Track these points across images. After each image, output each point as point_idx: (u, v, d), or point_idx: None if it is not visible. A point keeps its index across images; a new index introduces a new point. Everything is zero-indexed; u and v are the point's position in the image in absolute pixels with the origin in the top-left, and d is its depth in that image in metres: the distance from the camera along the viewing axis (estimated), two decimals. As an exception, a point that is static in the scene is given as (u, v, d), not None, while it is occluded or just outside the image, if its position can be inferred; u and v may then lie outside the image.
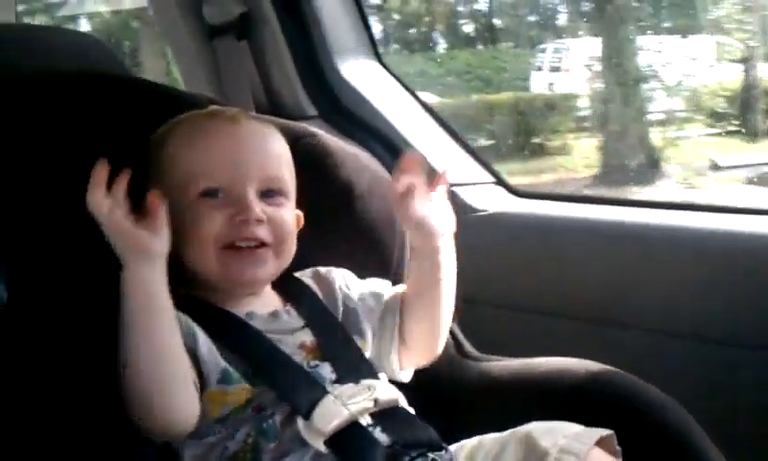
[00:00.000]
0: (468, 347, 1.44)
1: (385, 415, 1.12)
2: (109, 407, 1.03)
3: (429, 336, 1.28)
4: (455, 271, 1.27)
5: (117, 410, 1.02)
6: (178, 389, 1.03)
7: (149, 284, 1.04)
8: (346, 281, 1.28)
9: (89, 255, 1.08)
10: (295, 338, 1.16)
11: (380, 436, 1.09)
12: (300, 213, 1.26)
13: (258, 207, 1.14)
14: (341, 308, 1.25)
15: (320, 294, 1.26)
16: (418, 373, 1.30)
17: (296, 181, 1.26)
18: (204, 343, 1.09)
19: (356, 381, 1.13)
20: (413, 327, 1.26)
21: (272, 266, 1.17)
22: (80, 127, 1.26)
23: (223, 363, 1.08)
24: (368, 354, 1.23)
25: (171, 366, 1.03)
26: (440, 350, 1.30)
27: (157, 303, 1.04)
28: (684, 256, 1.65)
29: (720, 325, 1.58)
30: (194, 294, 1.14)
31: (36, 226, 1.14)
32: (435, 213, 1.20)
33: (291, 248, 1.21)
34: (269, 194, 1.17)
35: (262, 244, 1.15)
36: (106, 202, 1.02)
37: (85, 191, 1.03)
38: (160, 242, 1.06)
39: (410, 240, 1.26)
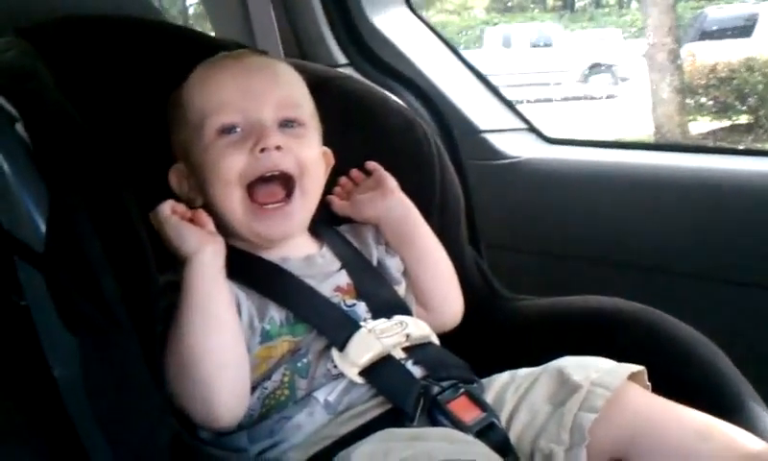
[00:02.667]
0: (498, 287, 1.44)
1: (417, 350, 1.13)
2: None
3: (435, 298, 1.29)
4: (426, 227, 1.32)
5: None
6: (238, 374, 1.04)
7: (212, 271, 1.06)
8: (378, 238, 1.29)
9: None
10: (330, 281, 1.17)
11: (413, 369, 1.10)
12: (329, 151, 1.27)
13: (277, 135, 1.14)
14: (375, 259, 1.26)
15: (354, 243, 1.27)
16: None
17: (326, 122, 1.27)
18: (245, 308, 1.10)
19: (389, 317, 1.14)
20: (417, 292, 1.28)
21: (299, 213, 1.18)
22: (110, 71, 1.28)
23: (260, 324, 1.10)
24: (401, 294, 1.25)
25: (231, 351, 1.04)
26: (455, 313, 1.31)
27: (219, 288, 1.06)
28: (717, 200, 1.64)
29: (752, 268, 1.57)
30: (229, 243, 1.15)
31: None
32: (377, 199, 1.29)
33: (317, 182, 1.21)
34: (288, 124, 1.17)
35: (287, 190, 1.15)
36: (167, 205, 1.07)
37: (117, 136, 1.05)
38: (218, 237, 1.09)
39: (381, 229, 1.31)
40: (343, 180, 1.34)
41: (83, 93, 1.14)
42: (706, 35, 7.67)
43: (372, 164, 1.33)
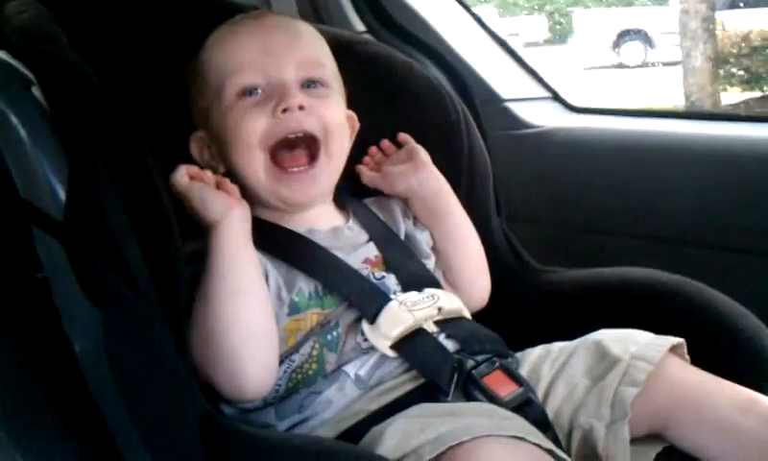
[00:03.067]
0: (529, 259, 1.40)
1: (450, 323, 1.10)
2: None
3: (463, 277, 1.26)
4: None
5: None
6: (267, 344, 1.01)
7: (240, 237, 1.03)
8: (406, 211, 1.26)
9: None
10: (359, 253, 1.14)
11: (446, 342, 1.07)
12: (353, 114, 1.23)
13: (299, 95, 1.10)
14: (403, 233, 1.23)
15: (381, 216, 1.24)
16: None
17: (351, 87, 1.23)
18: (273, 279, 1.07)
19: (419, 290, 1.11)
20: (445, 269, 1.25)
21: (324, 176, 1.14)
22: (128, 37, 1.25)
23: (288, 296, 1.06)
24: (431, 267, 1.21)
25: (260, 321, 1.01)
26: (484, 293, 1.28)
27: (247, 255, 1.03)
28: (749, 170, 1.59)
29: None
30: (255, 213, 1.11)
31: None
32: (409, 172, 1.24)
33: (342, 145, 1.18)
34: (311, 84, 1.13)
35: (311, 154, 1.12)
36: (191, 172, 1.04)
37: (134, 102, 1.01)
38: (244, 202, 1.06)
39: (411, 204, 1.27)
40: (373, 149, 1.30)
41: (100, 58, 1.10)
42: (736, 3, 7.60)
43: (403, 136, 1.29)
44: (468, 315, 1.16)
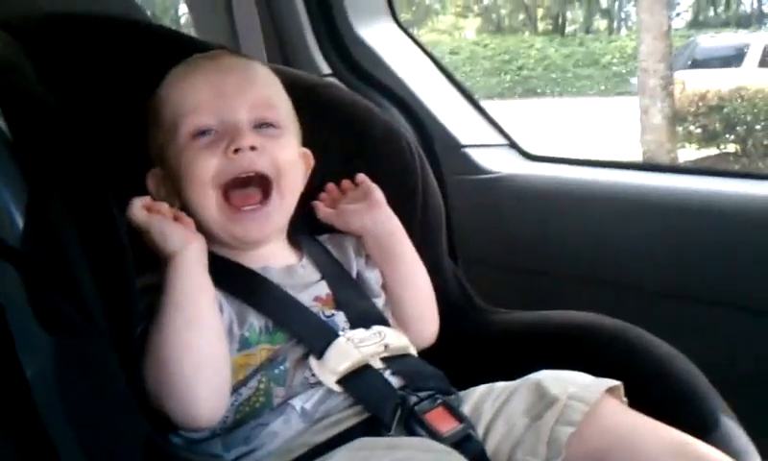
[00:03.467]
0: (478, 300, 1.44)
1: (396, 360, 1.13)
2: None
3: (412, 316, 1.28)
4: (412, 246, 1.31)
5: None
6: (219, 373, 1.03)
7: (197, 268, 1.05)
8: (359, 249, 1.29)
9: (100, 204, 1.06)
10: (310, 291, 1.17)
11: (391, 379, 1.09)
12: (309, 152, 1.27)
13: (251, 136, 1.13)
14: (355, 271, 1.26)
15: (334, 253, 1.27)
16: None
17: (310, 129, 1.27)
18: (226, 314, 1.09)
19: (367, 327, 1.14)
20: (394, 308, 1.28)
21: (277, 215, 1.17)
22: (93, 70, 1.27)
23: (239, 331, 1.09)
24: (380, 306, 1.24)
25: (214, 350, 1.03)
26: (430, 332, 1.31)
27: (203, 287, 1.05)
28: (693, 221, 1.64)
29: (727, 288, 1.58)
30: (210, 249, 1.14)
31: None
32: (363, 211, 1.28)
33: (295, 184, 1.21)
34: (263, 126, 1.16)
35: (263, 192, 1.15)
36: (146, 205, 1.07)
37: (96, 136, 1.04)
38: (200, 235, 1.09)
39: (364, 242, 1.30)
40: (330, 186, 1.33)
41: (65, 90, 1.13)
42: (696, 63, 7.74)
43: (360, 176, 1.32)
44: (414, 352, 1.18)
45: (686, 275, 1.63)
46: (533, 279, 1.85)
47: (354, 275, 1.25)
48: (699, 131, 6.04)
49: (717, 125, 5.88)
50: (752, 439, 1.13)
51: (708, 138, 6.03)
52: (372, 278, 1.27)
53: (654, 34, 5.83)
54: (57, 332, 0.88)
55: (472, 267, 1.72)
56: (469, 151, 1.93)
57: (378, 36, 2.03)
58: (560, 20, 14.97)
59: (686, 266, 1.63)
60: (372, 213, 1.28)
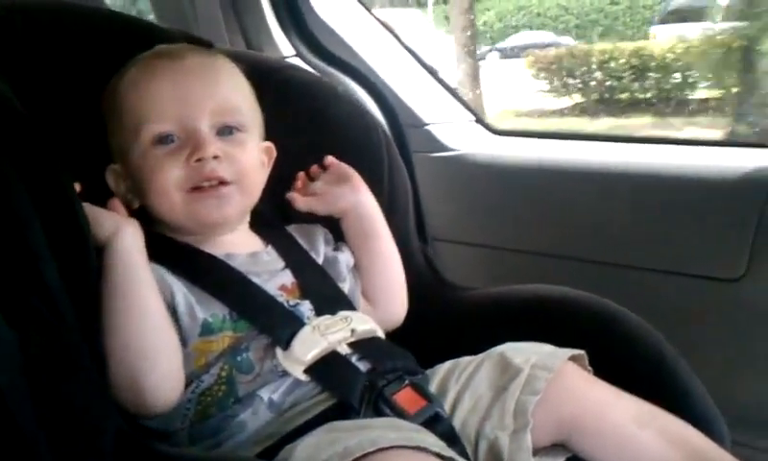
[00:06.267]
0: (444, 276, 1.45)
1: (363, 344, 1.12)
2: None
3: (383, 296, 1.29)
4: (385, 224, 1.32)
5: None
6: (166, 358, 1.02)
7: (132, 253, 1.04)
8: (327, 238, 1.29)
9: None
10: (275, 280, 1.16)
11: (359, 364, 1.09)
12: (271, 144, 1.26)
13: (214, 144, 1.12)
14: (322, 258, 1.26)
15: (301, 242, 1.27)
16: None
17: (273, 113, 1.26)
18: (182, 297, 1.08)
19: (333, 313, 1.14)
20: (367, 287, 1.28)
21: (238, 203, 1.16)
22: (51, 60, 1.25)
23: (201, 316, 1.08)
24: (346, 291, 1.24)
25: (158, 335, 1.02)
26: (401, 311, 1.32)
27: (140, 271, 1.04)
28: (659, 192, 1.66)
29: (696, 259, 1.59)
30: (172, 237, 1.14)
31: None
32: (348, 192, 1.27)
33: (255, 183, 1.20)
34: (226, 131, 1.15)
35: (224, 182, 1.14)
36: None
37: (54, 126, 1.02)
38: (133, 219, 1.08)
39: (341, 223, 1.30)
40: (300, 175, 1.31)
41: (23, 81, 1.12)
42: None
43: (330, 159, 1.31)
44: (381, 335, 1.18)
45: (657, 247, 1.64)
46: (500, 255, 1.86)
47: (321, 260, 1.25)
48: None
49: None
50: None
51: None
52: (343, 260, 1.27)
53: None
54: (22, 329, 0.88)
55: (440, 245, 1.73)
56: (434, 128, 1.93)
57: (340, 15, 2.02)
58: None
59: (657, 238, 1.64)
60: (357, 194, 1.28)
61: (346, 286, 1.25)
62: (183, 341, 1.06)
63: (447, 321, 1.38)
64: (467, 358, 1.15)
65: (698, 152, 1.73)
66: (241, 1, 1.96)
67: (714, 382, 1.19)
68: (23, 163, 0.94)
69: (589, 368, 1.13)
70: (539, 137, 1.99)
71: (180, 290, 1.08)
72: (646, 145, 1.85)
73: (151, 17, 2.10)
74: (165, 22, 1.96)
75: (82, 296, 0.95)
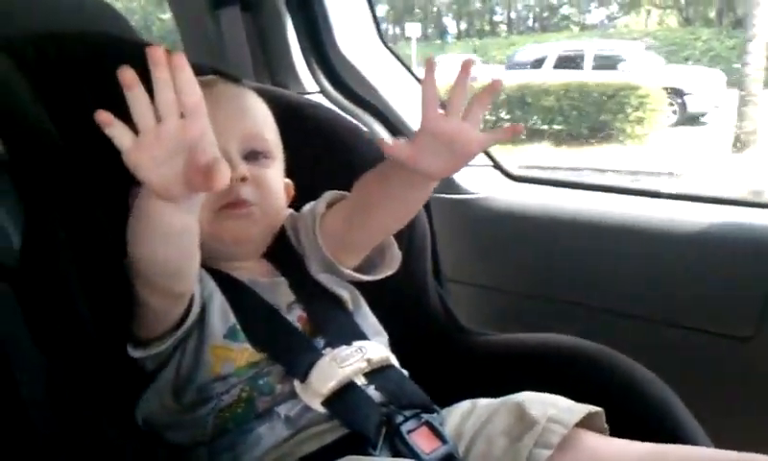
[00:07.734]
0: (460, 321, 1.46)
1: (378, 374, 1.14)
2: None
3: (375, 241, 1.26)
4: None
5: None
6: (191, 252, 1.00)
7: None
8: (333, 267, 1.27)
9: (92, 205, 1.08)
10: (292, 312, 1.18)
11: (374, 394, 1.11)
12: (290, 182, 1.29)
13: (242, 166, 1.16)
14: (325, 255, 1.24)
15: (293, 239, 1.27)
16: (411, 344, 1.31)
17: (296, 150, 1.28)
18: (219, 298, 1.12)
19: (348, 343, 1.15)
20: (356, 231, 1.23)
21: (262, 224, 1.20)
22: (87, 89, 1.27)
23: (233, 319, 1.11)
24: (350, 307, 1.24)
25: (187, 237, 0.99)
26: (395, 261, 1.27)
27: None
28: (670, 246, 1.68)
29: (709, 315, 1.61)
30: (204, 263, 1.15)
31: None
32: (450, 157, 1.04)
33: (279, 208, 1.24)
34: (253, 156, 1.20)
35: (249, 204, 1.17)
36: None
37: (85, 152, 1.03)
38: None
39: (422, 161, 1.04)
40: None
41: (59, 109, 1.14)
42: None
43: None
44: (395, 362, 1.19)
45: (669, 300, 1.66)
46: (512, 300, 1.88)
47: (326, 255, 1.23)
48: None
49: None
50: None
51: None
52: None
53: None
54: (51, 353, 0.90)
55: (454, 287, 1.74)
56: (452, 171, 1.95)
57: (364, 54, 2.05)
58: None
59: (669, 292, 1.66)
60: (457, 163, 1.07)
61: (346, 294, 1.25)
62: (203, 340, 1.09)
63: (460, 364, 1.39)
64: (484, 402, 1.16)
65: (716, 210, 1.74)
66: (268, 36, 2.00)
67: (724, 442, 1.20)
68: (58, 191, 0.96)
69: (606, 425, 1.13)
70: (555, 186, 2.01)
71: (218, 294, 1.12)
72: (663, 200, 1.86)
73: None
74: (194, 57, 1.98)
75: (110, 319, 0.97)
